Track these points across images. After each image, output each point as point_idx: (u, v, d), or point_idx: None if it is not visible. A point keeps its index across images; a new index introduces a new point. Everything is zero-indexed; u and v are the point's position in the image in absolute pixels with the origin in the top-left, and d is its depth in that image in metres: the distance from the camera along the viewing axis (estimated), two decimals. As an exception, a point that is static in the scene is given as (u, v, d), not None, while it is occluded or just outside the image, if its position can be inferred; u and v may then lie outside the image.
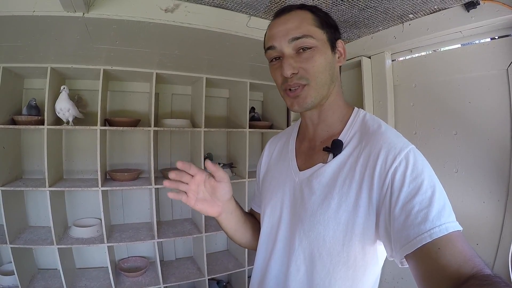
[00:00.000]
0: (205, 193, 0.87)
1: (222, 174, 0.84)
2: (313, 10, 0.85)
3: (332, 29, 0.86)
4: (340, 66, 0.93)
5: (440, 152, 1.69)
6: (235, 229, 1.01)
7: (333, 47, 0.85)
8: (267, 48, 0.86)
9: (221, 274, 2.60)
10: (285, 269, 0.84)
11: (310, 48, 0.80)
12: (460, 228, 0.62)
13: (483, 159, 1.52)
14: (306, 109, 0.85)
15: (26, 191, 2.33)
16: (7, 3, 1.33)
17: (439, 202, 0.63)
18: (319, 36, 0.82)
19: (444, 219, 0.61)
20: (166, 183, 0.83)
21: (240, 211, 1.01)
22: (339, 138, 0.84)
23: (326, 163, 0.82)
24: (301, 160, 0.92)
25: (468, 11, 1.43)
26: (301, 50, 0.80)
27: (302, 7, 0.86)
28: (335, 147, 0.81)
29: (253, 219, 1.10)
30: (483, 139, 1.51)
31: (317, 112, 0.88)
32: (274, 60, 0.86)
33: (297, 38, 0.80)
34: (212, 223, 2.64)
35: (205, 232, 2.49)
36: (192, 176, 0.84)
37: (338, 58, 0.87)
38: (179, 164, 0.81)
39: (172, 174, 0.82)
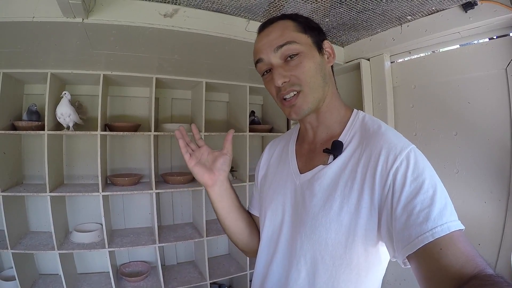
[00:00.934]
0: (206, 161, 0.98)
1: (230, 149, 0.99)
2: (294, 17, 0.87)
3: (316, 32, 0.87)
4: (332, 68, 0.93)
5: (440, 153, 1.69)
6: (228, 211, 1.01)
7: (320, 48, 0.86)
8: (256, 62, 0.88)
9: (223, 278, 2.59)
10: (286, 273, 0.84)
11: (296, 54, 0.81)
12: (462, 227, 0.62)
13: (484, 159, 1.51)
14: (304, 116, 0.86)
15: (27, 197, 2.33)
16: (7, 9, 1.34)
17: (441, 201, 0.63)
18: (303, 40, 0.83)
19: (446, 218, 0.61)
20: (177, 133, 0.97)
21: (234, 194, 1.04)
22: (339, 139, 0.84)
23: (327, 164, 0.82)
24: (302, 163, 0.92)
25: (466, 12, 1.43)
26: (289, 58, 0.82)
27: (283, 17, 0.88)
28: (336, 148, 0.81)
29: (249, 216, 1.10)
30: (483, 139, 1.51)
31: (315, 115, 0.89)
32: (265, 73, 0.88)
33: (281, 46, 0.82)
34: (213, 227, 2.64)
35: (207, 236, 2.48)
36: (199, 147, 1.00)
37: (328, 58, 0.88)
38: (193, 128, 1.00)
39: (181, 128, 0.99)
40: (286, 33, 0.83)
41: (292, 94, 0.83)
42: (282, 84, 0.82)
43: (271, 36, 0.84)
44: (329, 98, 0.87)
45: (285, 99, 0.84)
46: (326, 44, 0.88)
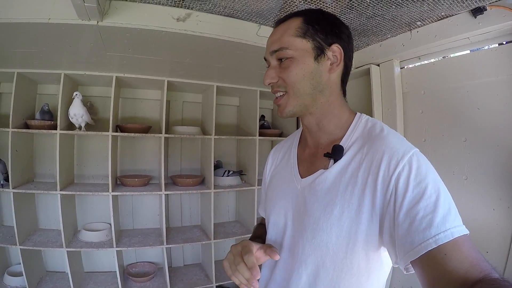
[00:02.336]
0: None
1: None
2: (306, 16, 0.84)
3: (323, 34, 0.82)
4: (346, 73, 0.89)
5: (449, 159, 1.68)
6: None
7: (320, 54, 0.82)
8: (265, 59, 0.90)
9: (229, 281, 2.59)
10: (288, 276, 0.84)
11: (288, 58, 0.82)
12: (467, 232, 0.62)
13: (493, 165, 1.50)
14: (288, 117, 0.87)
15: (37, 194, 2.38)
16: (23, 11, 1.38)
17: (444, 207, 0.63)
18: (298, 46, 0.81)
19: (449, 224, 0.61)
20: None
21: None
22: (340, 143, 0.83)
23: (327, 169, 0.81)
24: (303, 167, 0.92)
25: (475, 17, 1.43)
26: (282, 60, 0.84)
27: (295, 14, 0.86)
28: (336, 153, 0.81)
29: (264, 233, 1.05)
30: (493, 146, 1.49)
31: (314, 119, 0.88)
32: None
33: (275, 51, 0.83)
34: (221, 230, 2.65)
35: (214, 239, 2.49)
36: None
37: (331, 65, 0.83)
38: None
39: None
40: (283, 37, 0.82)
41: (279, 94, 0.85)
42: (268, 84, 0.86)
43: (273, 38, 0.86)
44: (325, 105, 0.85)
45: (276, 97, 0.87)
46: (335, 48, 0.82)
